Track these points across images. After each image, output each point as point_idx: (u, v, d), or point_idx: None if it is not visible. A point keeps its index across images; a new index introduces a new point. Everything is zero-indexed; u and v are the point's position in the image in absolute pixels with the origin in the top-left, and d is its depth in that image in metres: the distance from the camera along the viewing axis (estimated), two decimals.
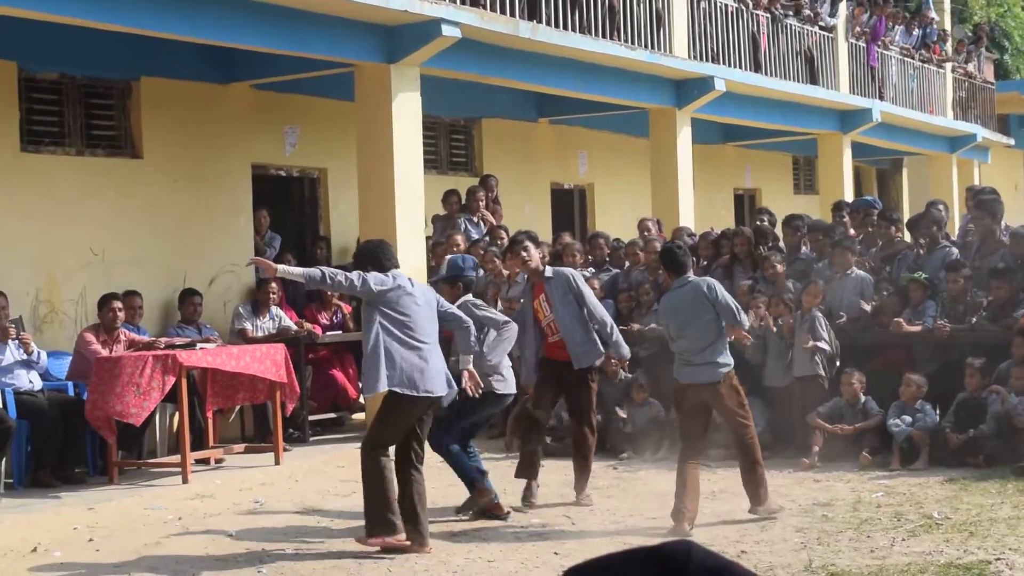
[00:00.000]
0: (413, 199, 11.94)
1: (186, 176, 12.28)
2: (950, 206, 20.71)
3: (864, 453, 10.17)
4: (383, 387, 7.45)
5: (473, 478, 8.61)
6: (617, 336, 9.17)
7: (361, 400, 12.03)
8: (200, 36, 10.48)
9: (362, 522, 7.69)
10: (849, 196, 18.38)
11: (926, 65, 23.22)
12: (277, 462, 10.63)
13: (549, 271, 9.17)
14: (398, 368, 7.43)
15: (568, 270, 9.45)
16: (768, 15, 17.52)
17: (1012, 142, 27.95)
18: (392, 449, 7.70)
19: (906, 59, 22.35)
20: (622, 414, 11.24)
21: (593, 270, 12.75)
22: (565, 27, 13.36)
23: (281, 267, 7.57)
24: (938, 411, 10.38)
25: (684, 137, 15.95)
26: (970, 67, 25.64)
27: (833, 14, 19.40)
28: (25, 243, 10.91)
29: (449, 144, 15.88)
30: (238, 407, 11.62)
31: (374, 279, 7.51)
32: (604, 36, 14.02)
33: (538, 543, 7.84)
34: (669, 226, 14.32)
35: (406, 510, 7.58)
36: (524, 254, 9.08)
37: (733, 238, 12.55)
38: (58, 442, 9.83)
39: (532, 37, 12.71)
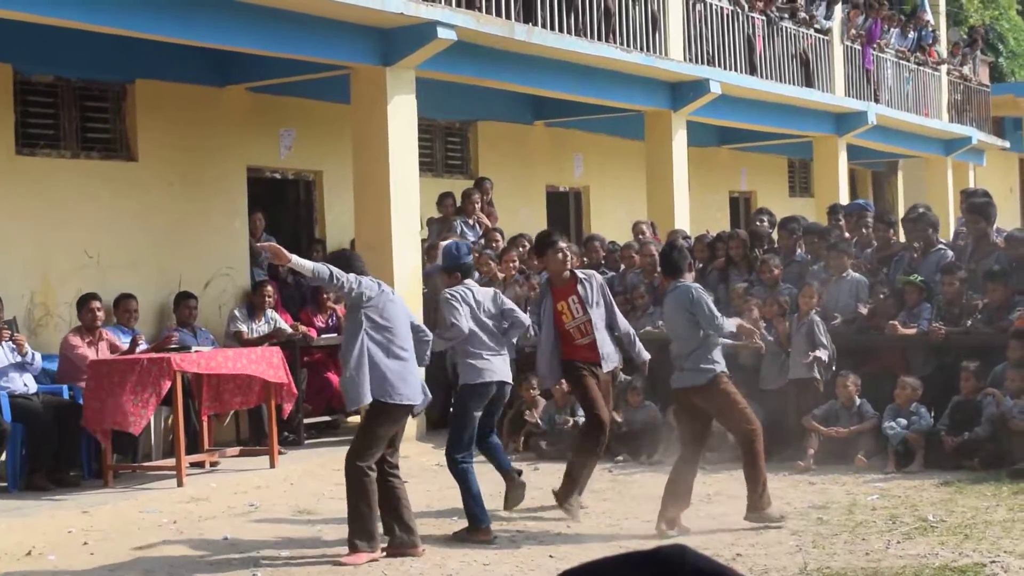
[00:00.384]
0: (408, 202, 11.94)
1: (181, 179, 12.27)
2: (945, 209, 20.78)
3: (859, 456, 10.17)
4: (367, 400, 7.43)
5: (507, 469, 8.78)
6: (639, 344, 9.19)
7: None
8: (195, 39, 10.48)
9: None
10: (844, 199, 18.42)
11: (921, 68, 23.25)
12: (272, 465, 10.62)
13: (581, 272, 9.10)
14: (382, 377, 7.41)
15: (595, 273, 9.43)
16: (764, 18, 17.53)
17: (1007, 145, 27.99)
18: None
19: (901, 62, 22.38)
20: (618, 417, 11.24)
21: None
22: (561, 30, 13.37)
23: (294, 257, 7.51)
24: (933, 414, 10.37)
25: (679, 140, 15.96)
26: (965, 70, 25.67)
27: (829, 17, 19.43)
28: (20, 246, 10.90)
29: (445, 147, 15.89)
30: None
31: (366, 285, 7.51)
32: (600, 39, 14.03)
33: (533, 547, 7.84)
34: (664, 229, 14.32)
35: (394, 517, 7.57)
36: (562, 256, 8.97)
37: (728, 241, 12.58)
38: (53, 445, 9.82)
39: (528, 40, 12.72)
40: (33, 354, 9.94)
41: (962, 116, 25.20)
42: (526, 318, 8.70)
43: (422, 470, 10.42)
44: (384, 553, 7.52)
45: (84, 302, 10.55)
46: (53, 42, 10.74)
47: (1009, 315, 10.47)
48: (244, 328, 11.90)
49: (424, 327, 8.06)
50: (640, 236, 13.47)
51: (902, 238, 12.49)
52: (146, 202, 11.92)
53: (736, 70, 16.70)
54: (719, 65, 16.32)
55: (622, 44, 14.40)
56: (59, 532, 8.44)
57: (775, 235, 12.80)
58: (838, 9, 19.74)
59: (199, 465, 10.60)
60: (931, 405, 10.43)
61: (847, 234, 12.63)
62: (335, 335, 12.57)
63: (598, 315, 8.84)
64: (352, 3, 10.68)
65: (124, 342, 10.78)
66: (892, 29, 22.32)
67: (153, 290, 11.85)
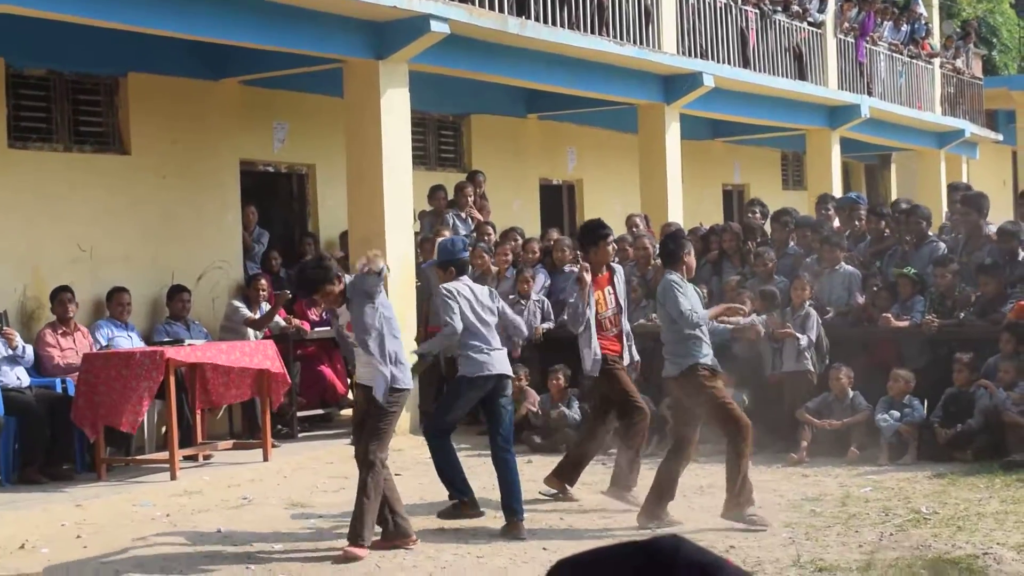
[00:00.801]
0: (401, 195, 11.94)
1: (174, 172, 12.25)
2: (939, 202, 20.77)
3: (852, 448, 10.19)
4: (383, 393, 7.45)
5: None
6: (632, 343, 9.18)
7: (349, 396, 12.01)
8: (188, 32, 10.46)
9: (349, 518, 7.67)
10: (838, 192, 18.42)
11: (914, 61, 23.26)
12: (265, 458, 10.61)
13: (614, 264, 9.12)
14: (396, 367, 7.49)
15: (619, 266, 9.45)
16: (757, 11, 17.52)
17: (1000, 138, 28.01)
18: (353, 451, 7.75)
19: (894, 55, 22.38)
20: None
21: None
22: (554, 23, 13.36)
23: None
24: (926, 406, 10.40)
25: (673, 133, 15.95)
26: (958, 63, 25.69)
27: (822, 10, 19.43)
28: (12, 239, 10.88)
29: (438, 140, 15.87)
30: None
31: (373, 281, 7.53)
32: (593, 32, 14.02)
33: (527, 539, 7.84)
34: (657, 222, 14.33)
35: (387, 508, 7.58)
36: (613, 247, 9.00)
37: (721, 234, 12.60)
38: (46, 439, 9.82)
39: (521, 33, 12.70)
40: (24, 347, 9.91)
41: (955, 109, 25.22)
42: (522, 323, 8.72)
43: (415, 463, 10.41)
44: (393, 536, 7.57)
45: (56, 295, 10.54)
46: (45, 35, 10.72)
47: (1002, 307, 10.50)
48: (251, 314, 11.86)
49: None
50: (633, 229, 13.47)
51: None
52: (139, 195, 11.90)
53: (729, 63, 16.70)
54: (712, 58, 16.31)
55: (615, 37, 14.39)
56: (52, 525, 8.43)
57: (768, 227, 12.82)
58: (831, 2, 19.74)
59: (192, 458, 10.59)
60: (924, 397, 10.45)
61: (838, 224, 12.66)
62: (328, 328, 12.57)
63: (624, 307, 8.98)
64: None
65: (118, 335, 10.79)
66: (885, 22, 22.33)
67: (146, 283, 11.83)
